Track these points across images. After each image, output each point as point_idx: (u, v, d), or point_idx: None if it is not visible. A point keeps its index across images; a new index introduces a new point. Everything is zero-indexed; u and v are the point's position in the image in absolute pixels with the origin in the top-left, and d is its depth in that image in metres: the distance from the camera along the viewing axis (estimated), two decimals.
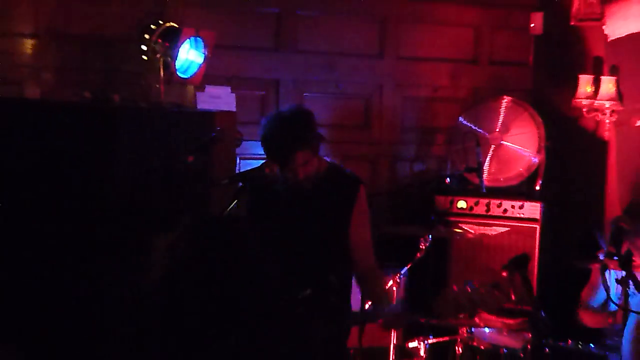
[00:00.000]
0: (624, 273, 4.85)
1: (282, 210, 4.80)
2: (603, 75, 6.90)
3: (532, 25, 7.50)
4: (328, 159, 5.03)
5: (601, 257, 5.51)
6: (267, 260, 4.13)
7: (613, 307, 5.60)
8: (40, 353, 4.50)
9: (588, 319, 6.10)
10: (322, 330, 4.61)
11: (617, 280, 4.93)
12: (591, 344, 5.42)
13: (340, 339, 4.94)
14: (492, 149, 6.98)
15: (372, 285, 5.04)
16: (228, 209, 4.04)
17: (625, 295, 4.92)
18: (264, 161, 4.14)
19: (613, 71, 6.88)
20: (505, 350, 5.66)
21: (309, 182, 4.86)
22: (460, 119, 7.07)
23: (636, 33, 6.65)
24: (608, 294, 5.72)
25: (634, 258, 5.22)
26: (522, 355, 5.47)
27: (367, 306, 5.05)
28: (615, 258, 4.90)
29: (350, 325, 5.04)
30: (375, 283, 5.08)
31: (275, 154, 4.66)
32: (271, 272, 4.04)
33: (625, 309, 5.00)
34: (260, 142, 4.75)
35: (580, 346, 5.38)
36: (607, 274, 5.65)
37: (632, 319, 5.05)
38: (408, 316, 4.98)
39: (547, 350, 5.26)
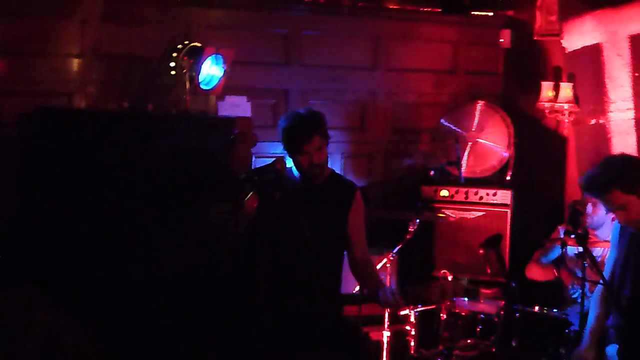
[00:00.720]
0: (581, 249, 4.84)
1: (292, 204, 4.78)
2: (562, 81, 6.88)
3: (501, 40, 7.49)
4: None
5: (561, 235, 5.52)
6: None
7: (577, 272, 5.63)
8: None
9: (536, 272, 6.12)
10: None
11: (575, 255, 4.92)
12: (555, 309, 5.41)
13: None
14: (469, 145, 6.97)
15: (369, 274, 5.08)
16: (246, 198, 4.03)
17: (583, 268, 4.91)
18: (275, 159, 4.12)
19: (570, 78, 6.86)
20: (482, 316, 5.67)
21: (320, 171, 4.88)
22: (442, 120, 7.06)
23: (589, 45, 6.63)
24: (558, 259, 5.75)
25: (589, 236, 5.23)
26: (496, 319, 5.47)
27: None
28: (573, 236, 4.89)
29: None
30: (372, 272, 5.11)
31: (296, 135, 4.82)
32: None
33: (583, 280, 5.00)
34: (281, 132, 4.88)
35: (545, 311, 5.38)
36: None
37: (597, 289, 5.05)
38: (401, 301, 4.98)
39: (517, 315, 5.26)
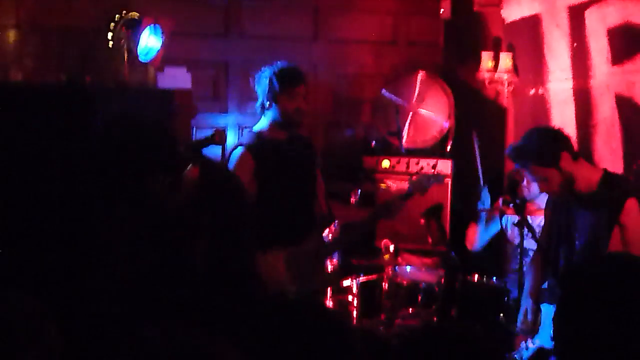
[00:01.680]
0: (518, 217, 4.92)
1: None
2: (501, 52, 6.93)
3: (441, 11, 7.52)
4: None
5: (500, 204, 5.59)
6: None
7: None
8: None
9: (471, 234, 6.20)
10: None
11: (514, 224, 4.99)
12: (494, 277, 5.49)
13: None
14: (410, 116, 7.01)
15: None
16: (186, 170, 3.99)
17: (521, 236, 4.99)
18: (213, 131, 4.11)
19: (510, 48, 6.92)
20: (423, 285, 5.73)
21: (301, 120, 5.18)
22: (383, 91, 7.08)
23: (528, 16, 6.68)
24: (505, 235, 5.83)
25: (527, 204, 5.31)
26: (437, 288, 5.54)
27: None
28: (511, 205, 4.96)
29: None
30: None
31: (290, 77, 5.10)
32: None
33: (521, 248, 5.07)
34: (271, 75, 5.10)
35: (484, 279, 5.45)
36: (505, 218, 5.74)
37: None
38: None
39: (457, 284, 5.34)
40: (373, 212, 5.40)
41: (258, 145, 5.07)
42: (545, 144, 4.71)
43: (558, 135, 4.81)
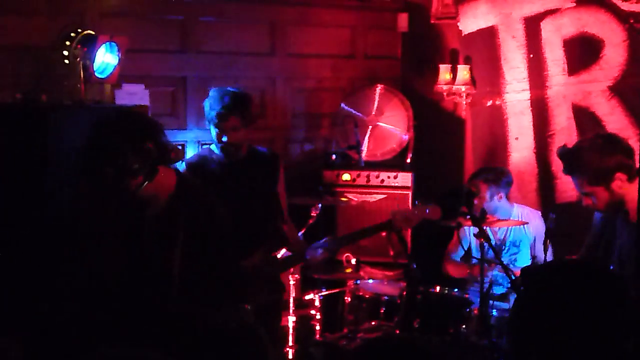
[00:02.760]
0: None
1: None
2: (459, 64, 6.98)
3: (398, 24, 7.55)
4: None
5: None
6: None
7: (474, 260, 5.69)
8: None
9: (452, 270, 6.20)
10: None
11: (474, 235, 4.99)
12: (455, 289, 5.50)
13: None
14: (369, 129, 7.02)
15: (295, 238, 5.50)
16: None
17: (482, 247, 4.99)
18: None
19: (467, 61, 6.97)
20: (385, 298, 5.72)
21: (234, 149, 5.20)
22: (342, 105, 7.09)
23: (484, 28, 6.74)
24: (464, 248, 5.83)
25: (487, 215, 5.32)
26: (399, 301, 5.52)
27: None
28: (468, 217, 4.95)
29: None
30: (297, 236, 5.56)
31: (212, 110, 5.14)
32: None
33: (482, 259, 5.09)
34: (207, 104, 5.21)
35: (446, 291, 5.46)
36: (466, 230, 5.75)
37: None
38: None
39: (419, 296, 5.33)
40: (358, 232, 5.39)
41: (199, 164, 5.22)
42: (600, 159, 4.39)
43: (618, 150, 4.47)
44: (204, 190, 4.08)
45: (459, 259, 6.20)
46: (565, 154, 4.53)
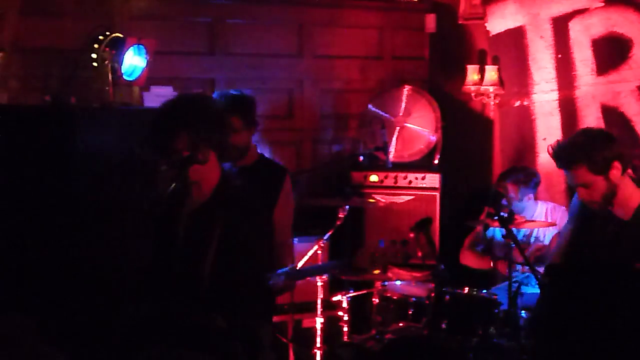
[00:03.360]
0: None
1: None
2: (487, 64, 6.94)
3: (426, 25, 7.53)
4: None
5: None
6: None
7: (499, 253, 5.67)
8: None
9: (472, 261, 6.16)
10: None
11: (503, 237, 4.95)
12: (484, 290, 5.46)
13: None
14: (397, 130, 7.00)
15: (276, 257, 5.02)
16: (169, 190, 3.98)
17: (509, 249, 4.95)
18: None
19: (495, 61, 6.93)
20: (413, 299, 5.69)
21: (238, 154, 4.90)
22: (369, 106, 7.07)
23: (512, 28, 6.70)
24: (488, 246, 5.78)
25: (515, 216, 5.28)
26: (427, 302, 5.49)
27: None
28: (496, 218, 4.91)
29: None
30: (278, 256, 5.05)
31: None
32: None
33: (510, 260, 5.05)
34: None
35: (474, 292, 5.42)
36: (492, 230, 5.71)
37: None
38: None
39: (447, 297, 5.30)
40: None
41: None
42: (601, 148, 4.44)
43: (614, 141, 4.56)
44: (249, 194, 4.06)
45: (480, 250, 6.17)
46: (566, 146, 4.52)
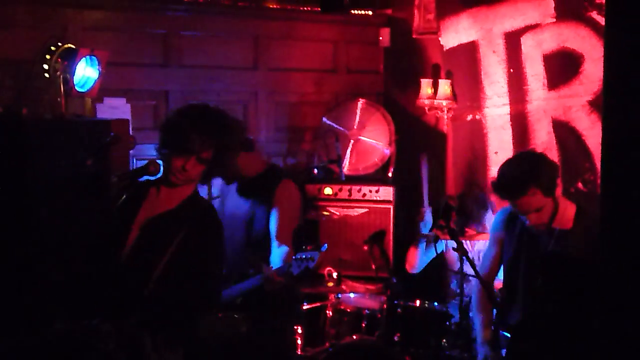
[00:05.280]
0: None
1: None
2: (440, 78, 6.98)
3: (381, 39, 7.56)
4: None
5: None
6: None
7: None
8: None
9: (412, 255, 6.16)
10: None
11: (453, 249, 4.96)
12: (436, 303, 5.48)
13: None
14: (351, 143, 7.02)
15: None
16: (119, 203, 3.98)
17: (461, 260, 4.97)
18: (148, 161, 4.07)
19: (448, 75, 6.96)
20: (367, 311, 5.70)
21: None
22: (324, 119, 7.09)
23: (466, 43, 6.74)
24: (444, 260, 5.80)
25: (466, 229, 5.31)
26: (379, 315, 5.51)
27: None
28: (446, 230, 4.94)
29: None
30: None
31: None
32: None
33: (461, 273, 5.06)
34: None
35: (427, 305, 5.44)
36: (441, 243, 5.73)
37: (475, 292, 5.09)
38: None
39: (399, 310, 5.32)
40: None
41: None
42: (547, 169, 4.52)
43: (548, 159, 4.67)
44: (214, 213, 4.20)
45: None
46: (514, 176, 4.53)
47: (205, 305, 4.01)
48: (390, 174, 6.95)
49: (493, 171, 6.45)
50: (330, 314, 5.80)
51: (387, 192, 6.77)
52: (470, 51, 6.71)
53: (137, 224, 4.02)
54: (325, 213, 6.46)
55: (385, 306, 5.42)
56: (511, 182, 4.54)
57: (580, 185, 5.90)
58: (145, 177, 4.07)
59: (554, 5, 6.10)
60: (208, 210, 4.16)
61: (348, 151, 6.99)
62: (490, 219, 6.08)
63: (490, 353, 4.74)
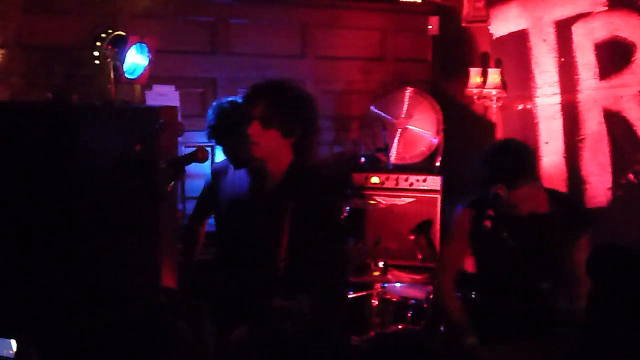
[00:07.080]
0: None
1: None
2: (490, 67, 6.95)
3: (429, 27, 7.54)
4: None
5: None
6: None
7: None
8: None
9: None
10: None
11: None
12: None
13: None
14: (398, 132, 7.02)
15: None
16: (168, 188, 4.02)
17: None
18: (196, 148, 4.10)
19: (498, 64, 6.93)
20: (412, 301, 5.72)
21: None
22: (371, 107, 7.10)
23: (515, 32, 6.71)
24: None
25: None
26: (425, 305, 5.52)
27: None
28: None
29: None
30: None
31: None
32: None
33: None
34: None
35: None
36: None
37: None
38: None
39: None
40: None
41: (220, 169, 4.88)
42: (534, 159, 4.68)
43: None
44: (322, 179, 4.34)
45: None
46: (520, 158, 4.60)
47: (343, 266, 4.18)
48: (437, 164, 6.94)
49: (544, 161, 6.43)
50: (376, 303, 5.83)
51: (434, 182, 6.76)
52: (520, 40, 6.67)
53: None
54: (372, 202, 6.47)
55: (431, 296, 5.42)
56: (513, 167, 4.62)
57: (631, 176, 5.85)
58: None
59: None
60: (309, 174, 4.25)
61: (395, 140, 6.99)
62: None
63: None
